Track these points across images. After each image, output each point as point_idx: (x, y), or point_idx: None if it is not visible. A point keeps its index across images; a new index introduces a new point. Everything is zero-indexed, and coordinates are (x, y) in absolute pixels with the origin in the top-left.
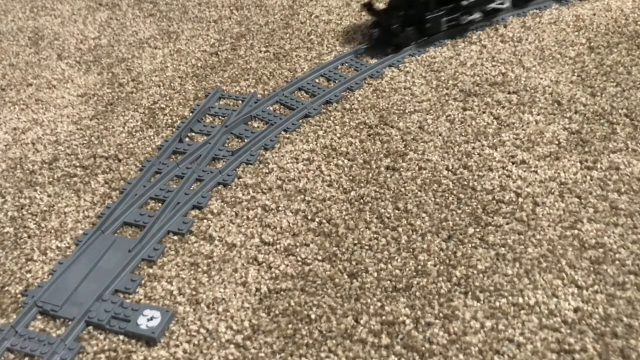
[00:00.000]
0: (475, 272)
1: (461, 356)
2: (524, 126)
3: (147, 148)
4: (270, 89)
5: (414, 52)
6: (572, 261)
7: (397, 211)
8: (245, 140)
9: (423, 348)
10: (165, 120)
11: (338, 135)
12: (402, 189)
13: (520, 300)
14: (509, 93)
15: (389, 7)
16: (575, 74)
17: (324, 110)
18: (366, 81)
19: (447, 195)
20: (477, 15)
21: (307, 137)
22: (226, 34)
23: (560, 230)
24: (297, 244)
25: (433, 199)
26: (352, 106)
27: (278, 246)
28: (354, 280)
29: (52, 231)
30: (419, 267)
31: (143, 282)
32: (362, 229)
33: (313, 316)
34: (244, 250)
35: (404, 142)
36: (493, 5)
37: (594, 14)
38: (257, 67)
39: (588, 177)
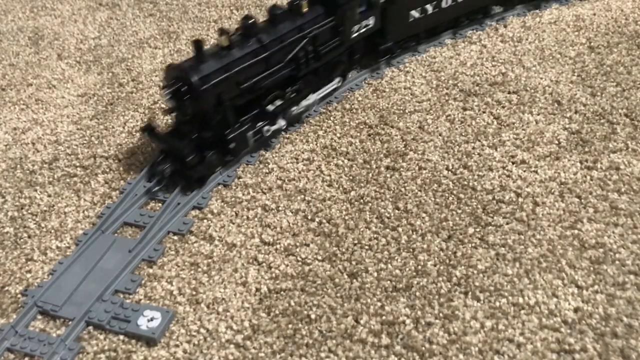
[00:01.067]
0: (475, 272)
1: (461, 356)
2: (524, 126)
3: (147, 148)
4: None
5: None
6: (572, 261)
7: (397, 211)
8: None
9: (423, 348)
10: (165, 120)
11: (338, 135)
12: (402, 189)
13: (520, 300)
14: (509, 93)
15: (176, 129)
16: (576, 74)
17: (323, 110)
18: (366, 81)
19: (447, 195)
20: (282, 124)
21: (307, 137)
22: None
23: (560, 230)
24: (297, 244)
25: (433, 199)
26: (352, 106)
27: (278, 246)
28: (354, 280)
29: (52, 231)
30: (419, 267)
31: (143, 282)
32: (362, 229)
33: (313, 316)
34: (244, 250)
35: (404, 142)
36: (303, 105)
37: (594, 14)
38: None
39: (588, 177)
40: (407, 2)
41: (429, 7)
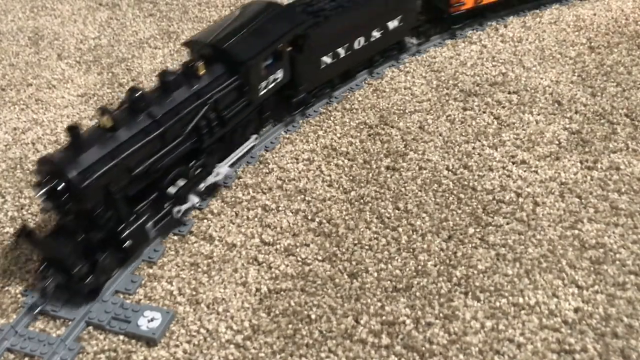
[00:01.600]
0: (475, 272)
1: (461, 356)
2: (524, 126)
3: None
4: None
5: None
6: (573, 261)
7: (397, 211)
8: None
9: (423, 348)
10: None
11: (338, 135)
12: (402, 189)
13: (521, 300)
14: (509, 93)
15: (57, 231)
16: (576, 74)
17: (324, 111)
18: (366, 81)
19: (447, 195)
20: (195, 201)
21: (307, 137)
22: None
23: (560, 230)
24: (297, 244)
25: (433, 199)
26: (352, 106)
27: (278, 246)
28: (354, 280)
29: None
30: (419, 267)
31: (143, 282)
32: (362, 229)
33: (313, 316)
34: (244, 250)
35: (404, 142)
36: (211, 180)
37: (594, 14)
38: None
39: (588, 177)
40: (317, 49)
41: (341, 51)
